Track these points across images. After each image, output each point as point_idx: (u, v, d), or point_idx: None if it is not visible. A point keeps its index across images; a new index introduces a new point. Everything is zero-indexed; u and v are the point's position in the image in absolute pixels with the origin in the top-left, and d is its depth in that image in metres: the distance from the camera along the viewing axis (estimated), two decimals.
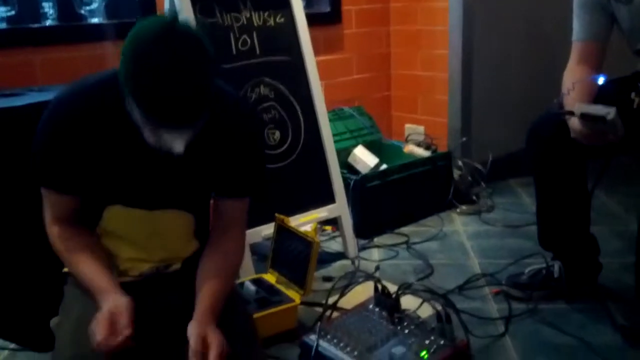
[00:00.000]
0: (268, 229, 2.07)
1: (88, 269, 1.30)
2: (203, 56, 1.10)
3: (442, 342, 1.59)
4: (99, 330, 1.14)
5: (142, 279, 1.41)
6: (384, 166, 2.75)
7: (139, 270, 1.40)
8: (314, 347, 1.62)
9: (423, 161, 2.74)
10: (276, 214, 2.00)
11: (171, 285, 1.43)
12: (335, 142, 2.40)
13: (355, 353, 1.58)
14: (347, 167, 2.78)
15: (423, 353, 1.55)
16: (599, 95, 1.71)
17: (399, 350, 1.57)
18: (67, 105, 1.25)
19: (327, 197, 2.30)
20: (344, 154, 2.77)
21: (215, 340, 1.19)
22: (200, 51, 1.10)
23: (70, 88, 1.27)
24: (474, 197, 2.88)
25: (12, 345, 1.83)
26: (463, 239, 2.49)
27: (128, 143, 1.22)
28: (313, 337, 1.66)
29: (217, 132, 1.29)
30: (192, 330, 1.21)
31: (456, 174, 2.88)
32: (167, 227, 1.39)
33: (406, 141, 3.11)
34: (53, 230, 1.33)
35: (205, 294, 1.30)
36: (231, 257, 1.39)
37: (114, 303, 1.21)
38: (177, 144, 1.11)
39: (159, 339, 1.34)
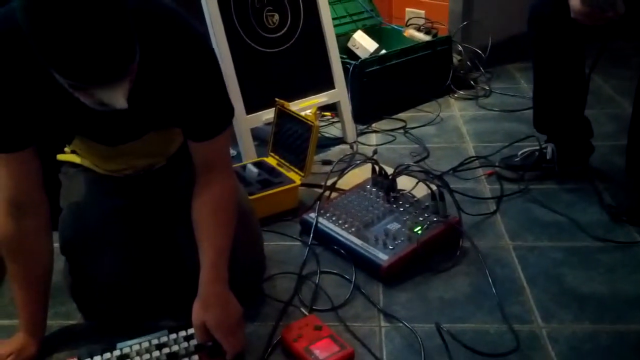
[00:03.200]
0: (268, 114, 2.11)
1: (19, 295, 1.25)
2: None
3: (435, 218, 1.67)
4: None
5: (126, 177, 1.43)
6: (383, 51, 2.73)
7: (121, 174, 1.42)
8: (314, 224, 1.71)
9: (423, 46, 2.72)
10: (276, 99, 2.03)
11: (156, 181, 1.45)
12: (334, 26, 2.37)
13: (353, 229, 1.66)
14: (347, 52, 2.76)
15: (417, 229, 1.63)
16: None
17: (394, 226, 1.65)
18: None
19: (327, 83, 2.30)
20: (343, 39, 2.74)
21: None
22: None
23: None
24: (472, 82, 2.88)
25: None
26: (459, 124, 2.53)
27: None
28: (313, 214, 1.74)
29: (157, 63, 1.12)
30: (195, 316, 1.22)
31: (455, 58, 2.86)
32: (140, 149, 1.35)
33: (406, 25, 3.06)
34: (3, 220, 1.20)
35: (207, 260, 1.24)
36: (224, 204, 1.29)
37: (20, 346, 1.23)
38: (118, 100, 0.95)
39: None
